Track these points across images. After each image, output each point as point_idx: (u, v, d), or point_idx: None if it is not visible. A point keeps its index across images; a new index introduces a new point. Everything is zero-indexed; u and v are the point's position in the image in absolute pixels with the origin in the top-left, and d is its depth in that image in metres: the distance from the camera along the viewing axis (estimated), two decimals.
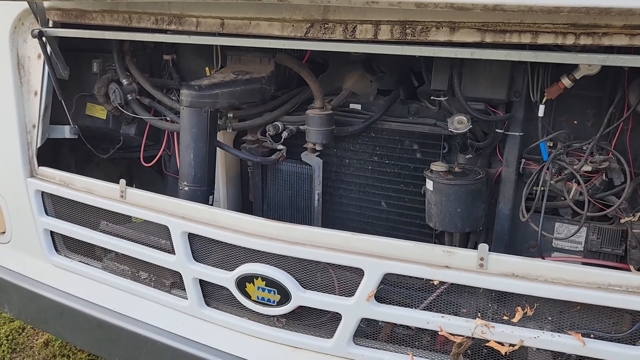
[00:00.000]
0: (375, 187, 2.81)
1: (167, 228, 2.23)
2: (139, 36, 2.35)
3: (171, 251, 2.25)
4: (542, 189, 2.28)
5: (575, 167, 2.16)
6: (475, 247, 2.56)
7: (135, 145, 3.21)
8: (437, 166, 2.35)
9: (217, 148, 2.66)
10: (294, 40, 2.06)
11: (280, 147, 2.77)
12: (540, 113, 2.19)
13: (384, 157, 2.76)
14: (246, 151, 2.81)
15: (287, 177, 2.79)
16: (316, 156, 2.67)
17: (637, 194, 2.26)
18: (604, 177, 2.23)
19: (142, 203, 2.32)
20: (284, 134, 2.68)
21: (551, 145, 2.38)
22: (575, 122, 2.36)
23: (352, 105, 2.78)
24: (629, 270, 2.32)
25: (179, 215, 2.23)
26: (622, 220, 2.26)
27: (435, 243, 2.75)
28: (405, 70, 2.66)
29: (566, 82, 2.06)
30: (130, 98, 2.82)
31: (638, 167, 2.28)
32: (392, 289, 1.98)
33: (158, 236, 2.34)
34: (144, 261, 2.36)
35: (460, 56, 1.83)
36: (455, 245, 2.55)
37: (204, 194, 2.62)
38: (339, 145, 2.82)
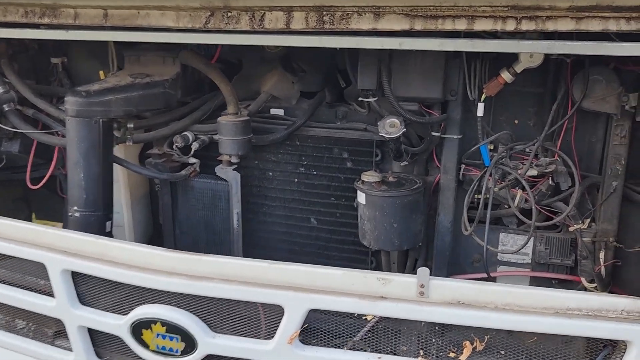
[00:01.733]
0: (303, 202, 2.50)
1: (44, 266, 1.80)
2: (2, 33, 1.92)
3: (51, 294, 1.82)
4: (484, 197, 2.04)
5: (519, 171, 1.94)
6: (415, 265, 2.32)
7: (23, 165, 2.73)
8: (369, 176, 2.06)
9: (115, 164, 2.26)
10: (191, 33, 1.72)
11: (193, 160, 2.40)
12: (479, 112, 1.95)
13: (311, 167, 2.45)
14: (151, 167, 2.41)
15: (201, 195, 2.42)
16: (233, 170, 2.31)
17: (585, 198, 2.07)
18: (550, 182, 2.02)
19: (11, 235, 1.88)
20: (194, 146, 2.32)
21: (492, 148, 2.16)
22: (516, 121, 2.14)
23: (273, 111, 2.46)
24: (579, 282, 2.12)
25: (60, 249, 1.82)
26: (570, 229, 2.06)
27: (372, 262, 2.46)
28: (331, 68, 2.37)
29: (506, 76, 1.83)
30: (7, 109, 2.36)
31: (585, 169, 2.09)
32: (322, 325, 1.66)
33: (36, 275, 1.91)
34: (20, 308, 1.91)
35: (388, 47, 1.56)
36: (393, 264, 2.27)
37: (98, 220, 2.20)
38: (259, 156, 2.49)
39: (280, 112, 2.46)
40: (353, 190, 2.35)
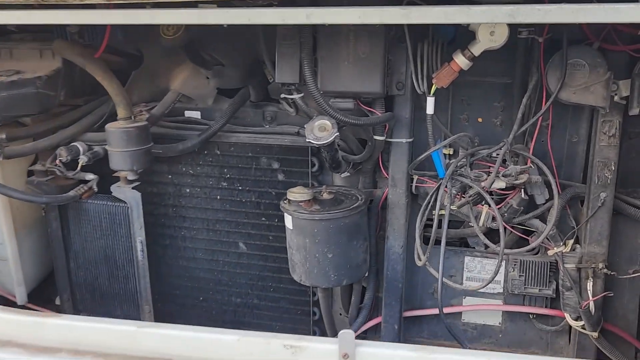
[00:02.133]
0: (229, 224, 2.05)
1: None
2: None
3: None
4: (440, 214, 1.61)
5: (483, 184, 1.51)
6: (363, 297, 1.89)
7: None
8: (296, 193, 1.62)
9: None
10: None
11: (89, 177, 1.93)
12: (429, 109, 1.52)
13: (236, 181, 2.00)
14: (32, 186, 1.93)
15: (98, 220, 1.95)
16: (132, 188, 1.85)
17: (567, 214, 1.66)
18: (522, 195, 1.60)
19: None
20: (82, 159, 1.84)
21: (451, 153, 1.74)
22: (480, 119, 1.72)
23: (188, 113, 2.00)
24: (562, 317, 1.71)
25: None
26: (550, 252, 1.65)
27: (314, 295, 2.02)
28: (253, 59, 1.92)
29: (461, 61, 1.40)
30: None
31: (565, 177, 1.68)
32: None
33: None
34: None
35: (291, 22, 1.11)
36: (342, 301, 1.83)
37: None
38: (173, 169, 2.03)
39: (197, 114, 2.00)
40: None
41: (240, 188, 2.00)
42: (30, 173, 2.07)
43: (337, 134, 1.55)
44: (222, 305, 2.16)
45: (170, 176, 2.04)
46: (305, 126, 1.60)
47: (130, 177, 1.79)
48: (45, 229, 2.21)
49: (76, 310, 2.09)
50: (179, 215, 2.08)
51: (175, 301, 2.18)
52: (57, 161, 1.86)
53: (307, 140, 1.58)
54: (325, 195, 1.68)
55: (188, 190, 2.05)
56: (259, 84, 1.97)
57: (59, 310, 2.12)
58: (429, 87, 1.51)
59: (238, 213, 2.03)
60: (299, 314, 2.08)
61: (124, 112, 1.71)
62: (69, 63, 1.85)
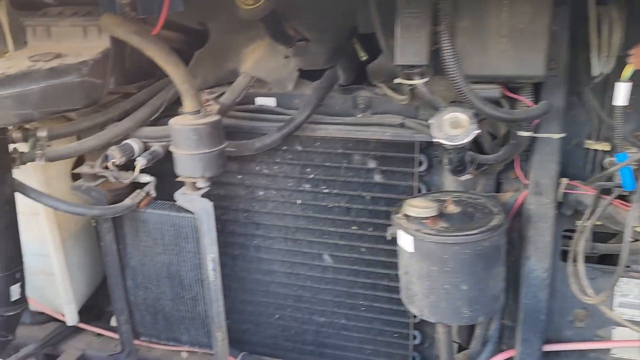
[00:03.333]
0: (312, 232, 1.70)
1: None
2: None
3: None
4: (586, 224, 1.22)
5: None
6: (485, 340, 1.52)
7: None
8: (419, 207, 1.25)
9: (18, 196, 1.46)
10: None
11: (147, 179, 1.60)
12: (619, 99, 1.11)
13: (321, 183, 1.64)
14: (80, 192, 1.61)
15: (159, 232, 1.62)
16: (201, 196, 1.51)
17: None
18: None
19: None
20: (141, 162, 1.50)
21: (607, 150, 1.34)
22: None
23: (259, 100, 1.63)
24: None
25: None
26: None
27: (414, 338, 1.69)
28: (345, 34, 1.53)
29: None
30: None
31: None
32: None
33: None
34: None
35: None
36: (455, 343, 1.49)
37: None
38: (245, 168, 1.68)
39: (271, 101, 1.63)
40: (384, 215, 1.57)
41: (326, 191, 1.64)
42: (74, 175, 1.75)
43: (478, 131, 1.17)
44: (303, 324, 1.84)
45: (240, 176, 1.70)
46: (430, 122, 1.22)
47: (200, 184, 1.44)
48: (93, 237, 1.90)
49: (135, 334, 1.79)
50: (251, 221, 1.74)
51: (248, 319, 1.87)
52: (110, 164, 1.52)
53: (436, 140, 1.20)
54: (451, 208, 1.31)
55: (262, 193, 1.71)
56: (349, 63, 1.58)
57: (115, 332, 1.83)
58: (620, 67, 1.10)
59: (323, 220, 1.68)
60: (396, 337, 1.74)
61: (192, 104, 1.35)
62: (119, 43, 1.50)
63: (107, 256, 1.67)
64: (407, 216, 1.29)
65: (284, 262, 1.77)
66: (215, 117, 1.38)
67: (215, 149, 1.38)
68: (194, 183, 1.48)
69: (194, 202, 1.51)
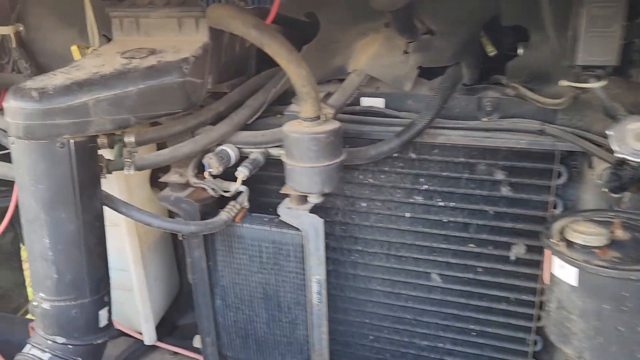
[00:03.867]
0: (420, 249, 1.52)
1: None
2: None
3: None
4: None
5: None
6: None
7: None
8: (587, 234, 1.06)
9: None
10: None
11: (241, 188, 1.42)
12: None
13: (436, 195, 1.45)
14: (169, 203, 1.44)
15: (256, 249, 1.45)
16: (310, 212, 1.33)
17: None
18: None
19: None
20: (242, 172, 1.33)
21: None
22: None
23: (366, 101, 1.44)
24: None
25: None
26: None
27: (535, 349, 1.50)
28: (478, 23, 1.32)
29: None
30: None
31: None
32: None
33: None
34: None
35: None
36: None
37: (84, 312, 1.27)
38: (347, 176, 1.50)
39: (380, 102, 1.44)
40: (509, 233, 1.38)
41: (441, 204, 1.46)
42: (153, 181, 1.60)
43: None
44: (401, 347, 1.66)
45: (341, 185, 1.52)
46: (608, 132, 1.02)
47: (314, 199, 1.27)
48: (170, 248, 1.75)
49: (221, 357, 1.63)
50: (349, 235, 1.57)
51: (338, 339, 1.70)
52: (206, 173, 1.35)
53: (619, 155, 1.00)
54: (620, 233, 1.11)
55: (365, 204, 1.53)
56: (474, 59, 1.39)
57: (199, 353, 1.67)
58: None
59: (435, 236, 1.50)
60: None
61: (312, 109, 1.17)
62: (218, 36, 1.32)
63: (195, 274, 1.51)
64: (568, 242, 1.10)
65: (384, 280, 1.60)
66: (336, 125, 1.20)
67: (337, 160, 1.20)
68: (302, 196, 1.31)
69: (302, 218, 1.33)
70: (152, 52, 1.26)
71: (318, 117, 1.18)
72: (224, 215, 1.39)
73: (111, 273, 1.57)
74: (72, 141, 1.15)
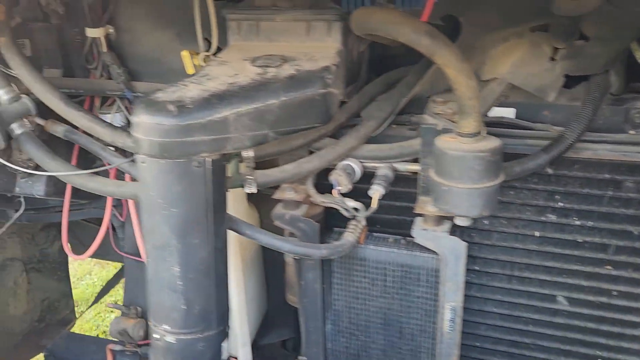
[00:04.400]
0: (548, 270, 1.41)
1: None
2: None
3: None
4: None
5: None
6: None
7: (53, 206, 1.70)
8: None
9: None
10: None
11: (352, 204, 1.30)
12: None
13: (573, 214, 1.34)
14: (284, 221, 1.33)
15: (380, 272, 1.34)
16: (452, 235, 1.21)
17: None
18: None
19: None
20: (379, 191, 1.21)
21: None
22: None
23: (496, 111, 1.33)
24: None
25: None
26: None
27: None
28: (634, 29, 1.21)
29: None
30: (19, 131, 1.26)
31: None
32: None
33: None
34: None
35: None
36: None
37: (210, 345, 1.15)
38: None
39: (510, 112, 1.33)
40: None
41: (577, 223, 1.35)
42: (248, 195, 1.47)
43: None
44: None
45: None
46: None
47: (463, 222, 1.15)
48: (261, 265, 1.63)
49: None
50: (468, 255, 1.45)
51: None
52: (335, 192, 1.23)
53: None
54: None
55: (487, 222, 1.41)
56: (622, 66, 1.27)
57: None
58: None
59: (567, 257, 1.39)
60: None
61: (474, 124, 1.06)
62: (347, 42, 1.21)
63: (307, 297, 1.40)
64: None
65: (502, 302, 1.49)
66: (497, 142, 1.09)
67: (498, 180, 1.08)
68: (438, 217, 1.20)
69: (440, 240, 1.22)
70: (284, 59, 1.14)
71: (479, 133, 1.07)
72: (350, 236, 1.27)
73: None
74: (208, 160, 1.04)
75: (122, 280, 2.37)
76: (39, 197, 1.48)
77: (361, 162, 1.30)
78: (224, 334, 1.18)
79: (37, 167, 1.43)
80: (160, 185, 1.03)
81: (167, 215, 1.04)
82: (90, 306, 2.86)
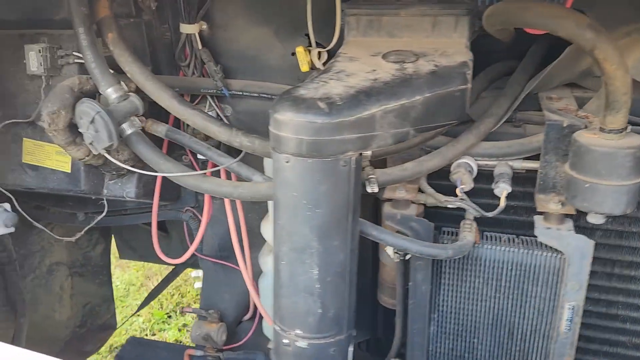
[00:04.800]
0: None
1: None
2: None
3: None
4: None
5: None
6: None
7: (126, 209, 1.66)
8: None
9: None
10: None
11: (459, 204, 1.28)
12: None
13: None
14: (395, 222, 1.29)
15: (496, 273, 1.31)
16: (577, 234, 1.20)
17: None
18: None
19: None
20: (506, 188, 1.19)
21: None
22: None
23: None
24: None
25: None
26: None
27: None
28: None
29: None
30: (130, 131, 1.21)
31: None
32: None
33: None
34: None
35: None
36: None
37: (340, 350, 1.12)
38: None
39: None
40: None
41: None
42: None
43: None
44: None
45: None
46: None
47: (596, 220, 1.14)
48: None
49: None
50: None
51: None
52: (459, 191, 1.21)
53: None
54: None
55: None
56: None
57: None
58: None
59: None
60: None
61: (622, 120, 1.04)
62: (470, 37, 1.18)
63: (414, 298, 1.37)
64: None
65: (599, 300, 1.47)
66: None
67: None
68: (561, 215, 1.18)
69: (566, 239, 1.20)
70: (416, 55, 1.11)
71: (625, 129, 1.05)
72: (469, 236, 1.25)
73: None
74: (353, 159, 1.00)
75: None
76: (129, 199, 1.43)
77: (476, 160, 1.27)
78: (351, 338, 1.15)
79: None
80: (307, 185, 0.99)
81: (310, 216, 1.01)
82: (136, 312, 2.79)
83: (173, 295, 3.95)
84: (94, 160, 1.29)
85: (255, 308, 1.69)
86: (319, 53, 1.27)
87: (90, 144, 1.15)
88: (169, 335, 3.80)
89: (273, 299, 1.13)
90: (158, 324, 3.88)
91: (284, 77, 1.43)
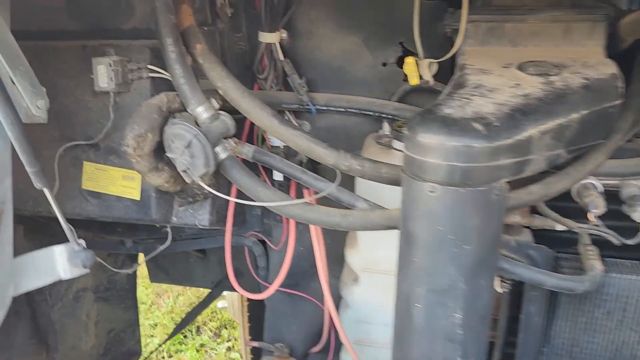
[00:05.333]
0: None
1: None
2: None
3: None
4: None
5: None
6: None
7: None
8: None
9: None
10: None
11: (597, 232, 1.16)
12: None
13: None
14: (510, 249, 1.17)
15: (619, 304, 1.20)
16: None
17: None
18: None
19: None
20: (635, 211, 1.07)
21: None
22: None
23: None
24: None
25: None
26: None
27: None
28: None
29: None
30: (224, 156, 1.06)
31: None
32: None
33: None
34: None
35: None
36: None
37: None
38: None
39: None
40: None
41: None
42: None
43: None
44: None
45: None
46: None
47: None
48: None
49: None
50: None
51: None
52: (591, 215, 1.09)
53: None
54: None
55: None
56: None
57: None
58: None
59: None
60: None
61: None
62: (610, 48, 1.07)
63: (526, 332, 1.24)
64: None
65: None
66: None
67: None
68: None
69: None
70: (557, 67, 0.99)
71: None
72: (596, 264, 1.13)
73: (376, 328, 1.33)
74: (504, 187, 0.88)
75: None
76: (201, 227, 1.28)
77: (599, 179, 1.16)
78: None
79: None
80: (455, 218, 0.86)
81: (458, 253, 0.88)
82: (166, 340, 2.61)
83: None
84: (172, 187, 1.14)
85: (328, 340, 1.55)
86: (430, 64, 1.15)
87: (184, 171, 1.00)
88: (187, 356, 3.63)
89: (394, 344, 1.00)
90: (174, 344, 3.71)
91: (372, 90, 1.30)
